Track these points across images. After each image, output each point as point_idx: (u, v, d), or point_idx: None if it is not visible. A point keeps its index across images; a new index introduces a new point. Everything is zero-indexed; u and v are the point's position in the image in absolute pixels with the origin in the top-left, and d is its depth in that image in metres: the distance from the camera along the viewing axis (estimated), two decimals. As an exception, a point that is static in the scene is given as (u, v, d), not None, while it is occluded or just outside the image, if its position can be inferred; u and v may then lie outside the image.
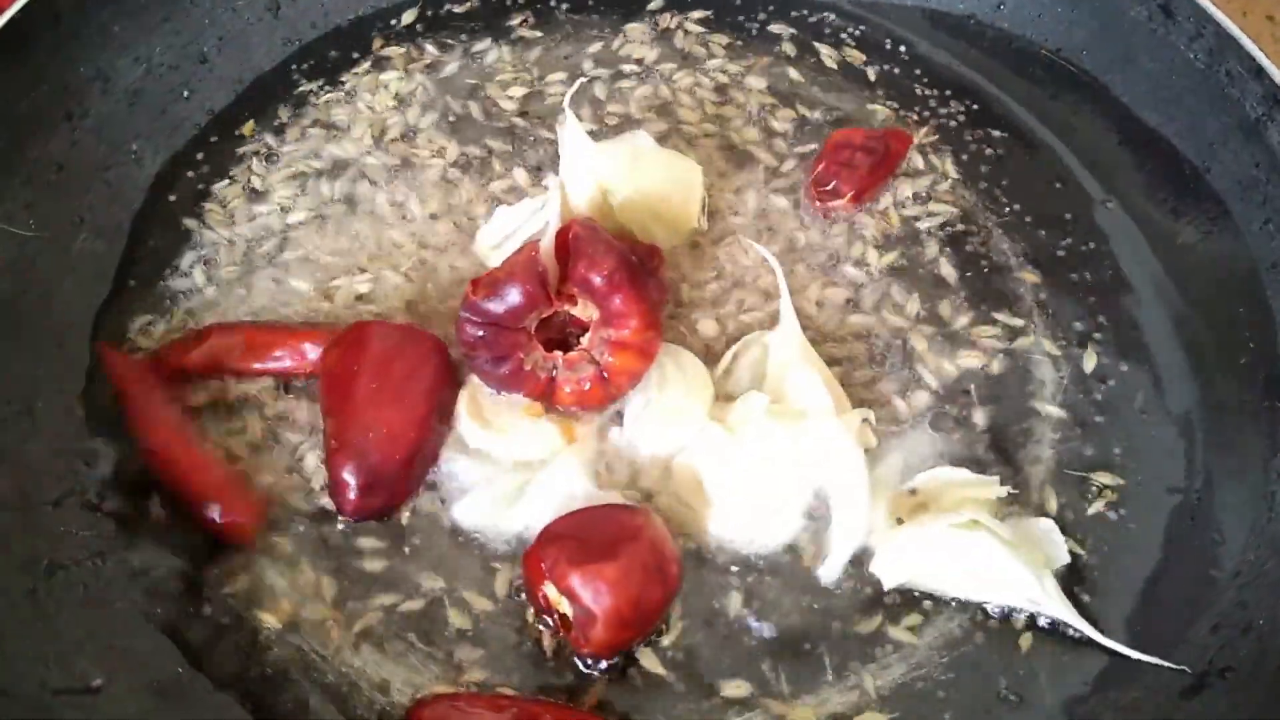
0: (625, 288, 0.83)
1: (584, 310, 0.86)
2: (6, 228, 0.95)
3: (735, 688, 0.82)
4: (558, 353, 0.86)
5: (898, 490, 0.89)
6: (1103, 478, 0.92)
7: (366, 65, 1.16)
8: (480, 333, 0.84)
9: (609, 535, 0.79)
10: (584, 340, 0.86)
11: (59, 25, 1.01)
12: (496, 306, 0.83)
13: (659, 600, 0.80)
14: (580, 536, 0.79)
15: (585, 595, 0.76)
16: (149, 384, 0.90)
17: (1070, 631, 0.83)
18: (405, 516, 0.88)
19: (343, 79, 1.15)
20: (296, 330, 0.95)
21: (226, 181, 1.07)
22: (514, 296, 0.83)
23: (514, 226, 1.00)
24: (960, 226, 1.06)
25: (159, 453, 0.87)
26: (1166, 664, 0.81)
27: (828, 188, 1.05)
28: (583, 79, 1.10)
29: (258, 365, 0.93)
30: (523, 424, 0.87)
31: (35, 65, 0.99)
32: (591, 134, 1.00)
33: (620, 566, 0.77)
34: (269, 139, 1.10)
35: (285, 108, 1.13)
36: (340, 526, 0.87)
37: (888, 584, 0.86)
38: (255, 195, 1.06)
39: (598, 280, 0.83)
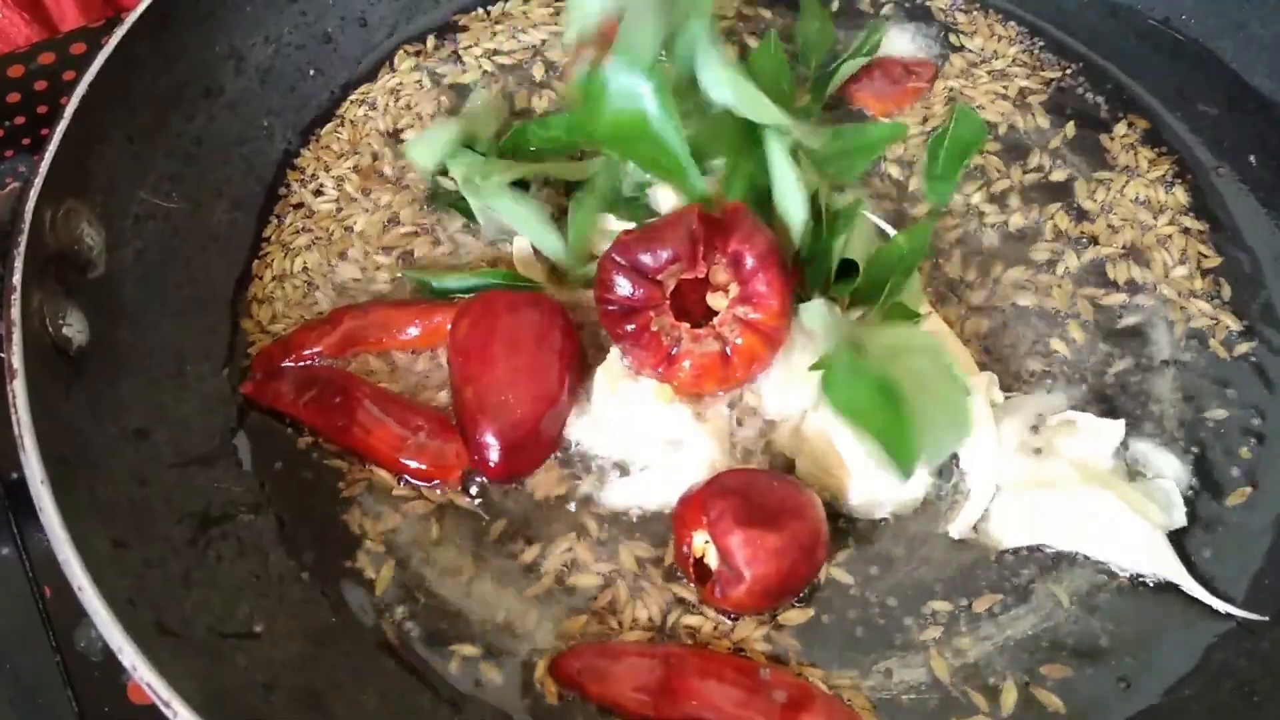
0: (773, 271, 0.84)
1: (716, 297, 0.88)
2: (152, 199, 0.99)
3: (872, 638, 0.84)
4: (685, 324, 0.88)
5: (1023, 438, 0.90)
6: (1226, 438, 0.93)
7: (477, 42, 1.19)
8: (621, 277, 0.86)
9: (776, 505, 0.81)
10: (716, 318, 0.87)
11: (197, 5, 1.05)
12: (644, 251, 0.85)
13: (802, 579, 0.82)
14: (749, 498, 0.80)
15: (740, 556, 0.79)
16: (305, 395, 0.93)
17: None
18: (540, 488, 0.90)
19: (462, 57, 1.18)
20: (424, 304, 0.98)
21: (348, 159, 1.10)
22: (666, 245, 0.84)
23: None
24: (1069, 191, 1.07)
25: (358, 447, 0.92)
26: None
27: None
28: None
29: (389, 340, 0.96)
30: (657, 405, 0.89)
31: (175, 44, 1.03)
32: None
33: (783, 538, 0.79)
34: (387, 118, 1.13)
35: (401, 85, 1.16)
36: (476, 493, 0.91)
37: (1007, 543, 0.87)
38: (376, 173, 1.09)
39: (749, 258, 0.84)
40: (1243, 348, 0.97)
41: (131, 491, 0.84)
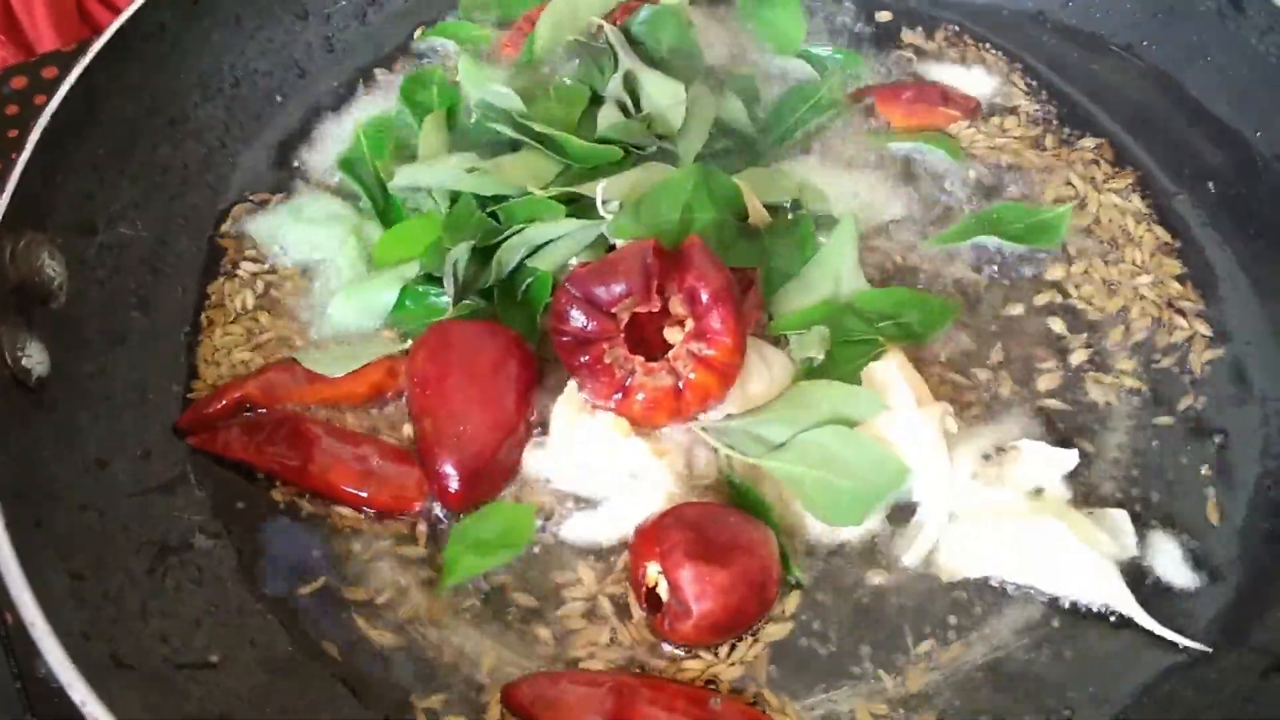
0: (727, 307, 0.85)
1: (672, 331, 0.89)
2: (115, 228, 0.99)
3: (825, 668, 0.84)
4: (639, 356, 0.88)
5: (976, 467, 0.91)
6: (1184, 462, 0.94)
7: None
8: (575, 309, 0.86)
9: (728, 540, 0.82)
10: (671, 352, 0.88)
11: (162, 33, 1.06)
12: (598, 284, 0.85)
13: (751, 616, 0.83)
14: (703, 532, 0.81)
15: (689, 591, 0.79)
16: (256, 438, 0.93)
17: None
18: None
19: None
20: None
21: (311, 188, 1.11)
22: (620, 279, 0.85)
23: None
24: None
25: (317, 486, 0.91)
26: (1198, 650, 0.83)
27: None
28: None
29: (314, 391, 0.95)
30: (613, 438, 0.89)
31: (141, 72, 1.04)
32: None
33: (731, 575, 0.80)
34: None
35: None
36: (439, 516, 0.91)
37: (958, 574, 0.88)
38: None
39: (704, 294, 0.85)
40: (1203, 363, 0.99)
41: (90, 522, 0.85)
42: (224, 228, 1.07)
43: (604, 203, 0.94)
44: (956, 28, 1.24)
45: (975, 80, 1.19)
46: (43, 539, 0.80)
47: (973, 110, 1.16)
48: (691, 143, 1.01)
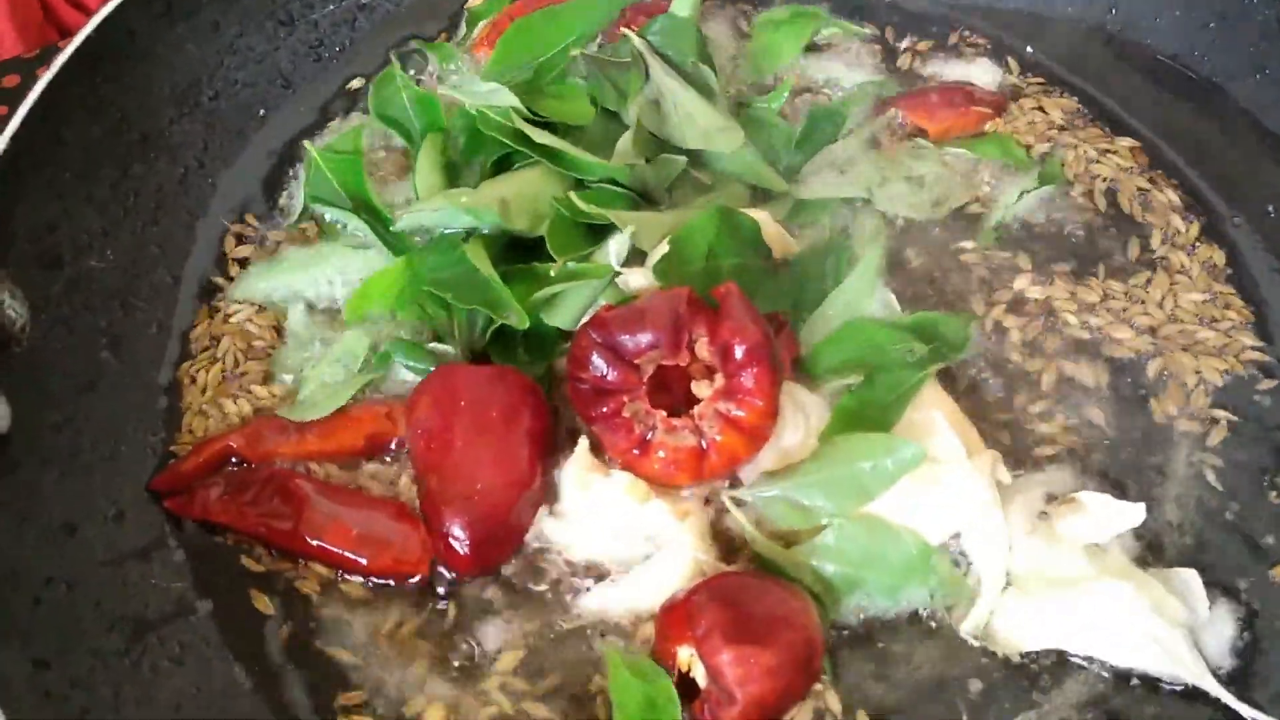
0: (762, 366, 0.78)
1: (700, 385, 0.81)
2: (83, 260, 0.90)
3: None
4: (661, 411, 0.81)
5: (1033, 522, 0.84)
6: (1246, 512, 0.87)
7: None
8: (596, 355, 0.79)
9: (767, 615, 0.74)
10: (697, 409, 0.80)
11: (133, 43, 0.97)
12: (624, 332, 0.78)
13: (799, 694, 0.76)
14: (739, 608, 0.74)
15: (731, 676, 0.71)
16: (241, 498, 0.84)
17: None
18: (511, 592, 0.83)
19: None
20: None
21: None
22: (647, 329, 0.78)
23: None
24: (1076, 241, 1.01)
25: (310, 551, 0.83)
26: None
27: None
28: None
29: (306, 446, 0.86)
30: (631, 503, 0.82)
31: (109, 87, 0.95)
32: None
33: (775, 655, 0.72)
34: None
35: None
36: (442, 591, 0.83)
37: (1017, 647, 0.80)
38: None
39: (738, 350, 0.77)
40: (1265, 404, 0.92)
41: (57, 598, 0.76)
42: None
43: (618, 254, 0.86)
44: (976, 35, 1.16)
45: (987, 77, 1.14)
46: (2, 623, 0.71)
47: (1002, 106, 1.09)
48: (736, 173, 0.93)
